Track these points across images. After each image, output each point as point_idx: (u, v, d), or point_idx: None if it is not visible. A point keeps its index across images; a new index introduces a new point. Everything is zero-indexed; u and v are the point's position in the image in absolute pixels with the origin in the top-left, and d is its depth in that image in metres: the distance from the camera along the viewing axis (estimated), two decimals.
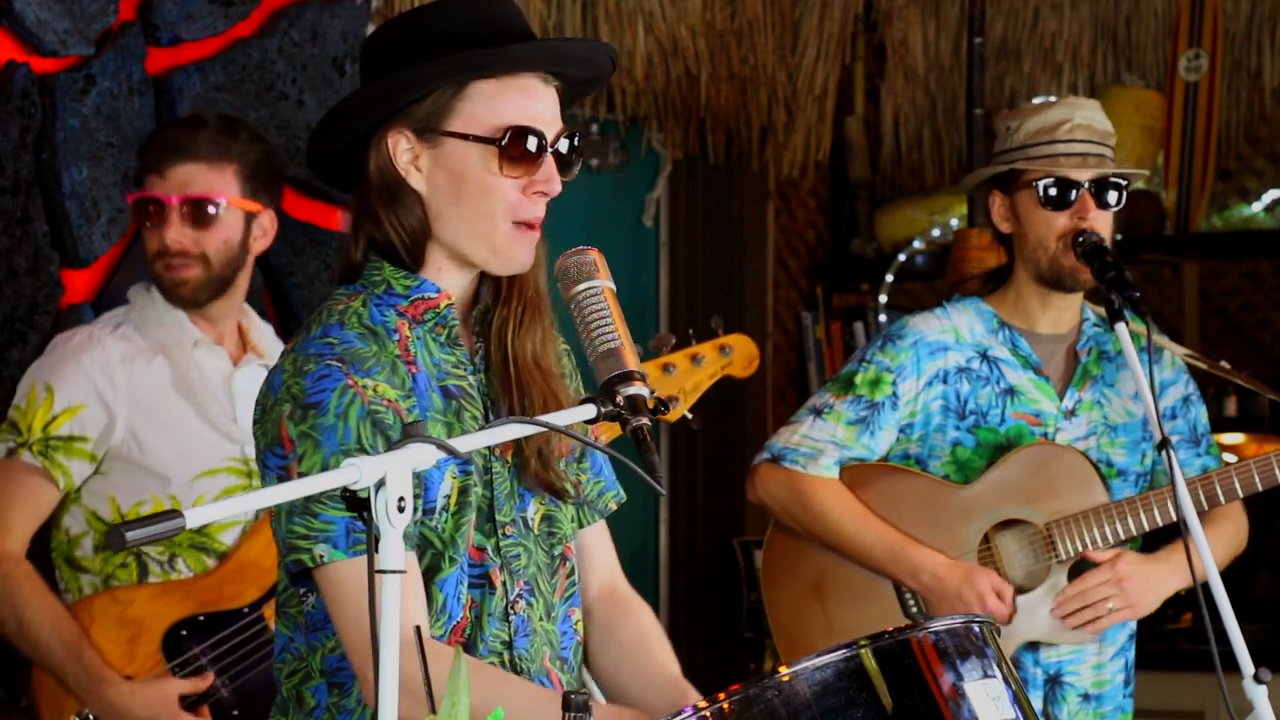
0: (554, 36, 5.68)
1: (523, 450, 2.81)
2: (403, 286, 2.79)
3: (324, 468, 2.65)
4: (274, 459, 2.70)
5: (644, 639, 2.92)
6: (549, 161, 2.75)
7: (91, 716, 3.90)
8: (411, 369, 2.76)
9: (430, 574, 2.74)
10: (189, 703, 3.90)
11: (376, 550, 2.24)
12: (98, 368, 3.97)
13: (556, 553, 2.87)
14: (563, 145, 2.77)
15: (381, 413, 2.69)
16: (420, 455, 2.28)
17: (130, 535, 2.12)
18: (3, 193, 4.39)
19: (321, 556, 2.66)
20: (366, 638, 2.61)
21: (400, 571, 2.24)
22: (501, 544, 2.80)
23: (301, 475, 2.66)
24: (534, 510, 2.84)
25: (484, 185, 2.74)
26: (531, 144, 2.73)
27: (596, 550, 2.98)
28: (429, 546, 2.74)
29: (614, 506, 2.99)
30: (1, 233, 4.39)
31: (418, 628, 2.55)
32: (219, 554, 4.01)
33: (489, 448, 2.78)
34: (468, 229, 2.76)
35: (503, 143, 2.73)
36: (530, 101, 2.75)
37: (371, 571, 2.23)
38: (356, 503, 2.25)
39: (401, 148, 2.76)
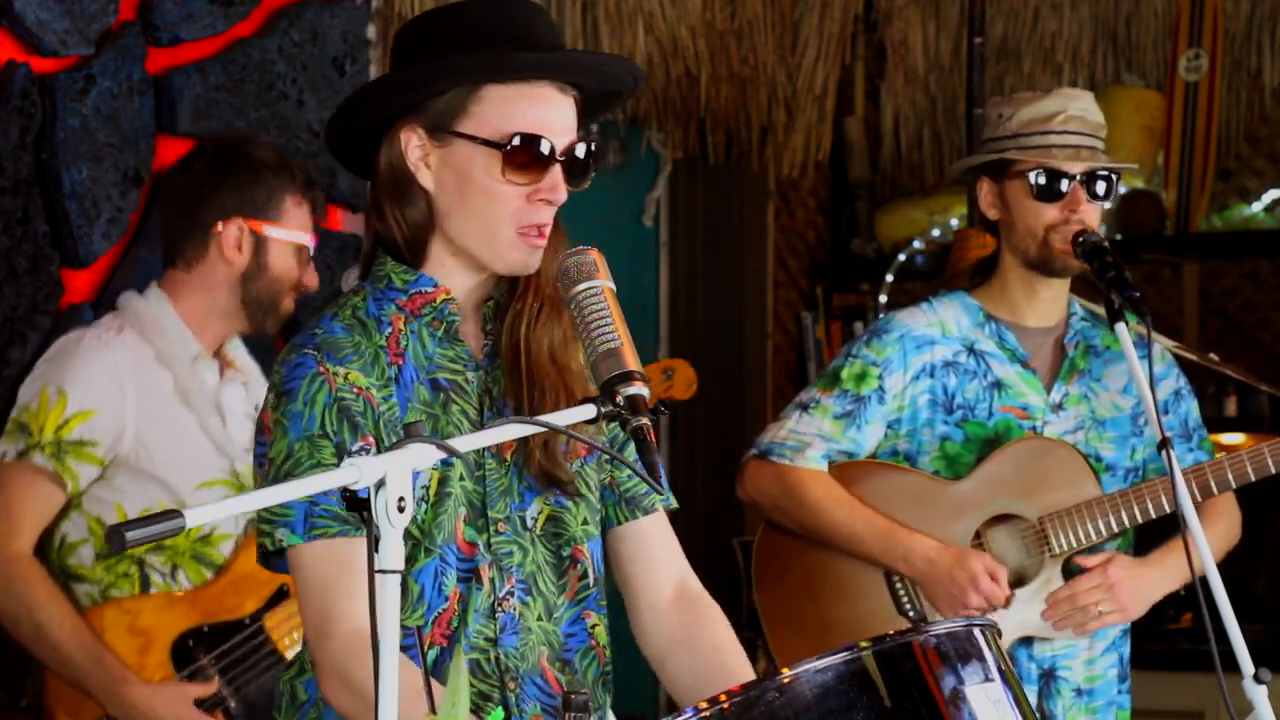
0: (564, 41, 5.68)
1: (527, 442, 2.81)
2: (402, 281, 2.81)
3: (288, 454, 2.71)
4: (259, 447, 2.78)
5: (720, 650, 2.88)
6: (555, 170, 2.75)
7: None
8: (397, 361, 2.78)
9: (406, 564, 2.74)
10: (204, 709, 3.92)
11: (377, 550, 2.24)
12: (109, 372, 3.94)
13: (565, 554, 2.86)
14: (579, 151, 2.77)
15: (350, 400, 2.72)
16: (420, 455, 2.28)
17: (131, 535, 2.12)
18: (3, 193, 4.39)
19: (280, 540, 2.71)
20: (318, 622, 2.69)
21: (399, 571, 2.24)
22: (493, 541, 2.80)
23: (270, 461, 2.73)
24: (536, 509, 2.84)
25: (487, 190, 2.75)
26: (538, 152, 2.74)
27: (660, 550, 2.94)
28: (406, 537, 2.74)
29: (660, 506, 2.94)
30: (1, 233, 4.38)
31: (418, 628, 2.56)
32: (216, 567, 4.01)
33: None
34: (472, 230, 2.77)
35: (507, 148, 2.73)
36: (542, 109, 2.75)
37: (371, 571, 2.23)
38: (356, 503, 2.25)
39: (413, 144, 2.77)
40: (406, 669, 2.51)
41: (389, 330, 2.79)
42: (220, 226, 4.05)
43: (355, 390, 2.73)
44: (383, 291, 2.81)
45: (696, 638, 2.89)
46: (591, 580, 2.89)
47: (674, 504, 2.97)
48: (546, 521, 2.85)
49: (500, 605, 2.80)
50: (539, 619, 2.83)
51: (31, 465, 3.90)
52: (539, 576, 2.83)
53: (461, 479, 2.78)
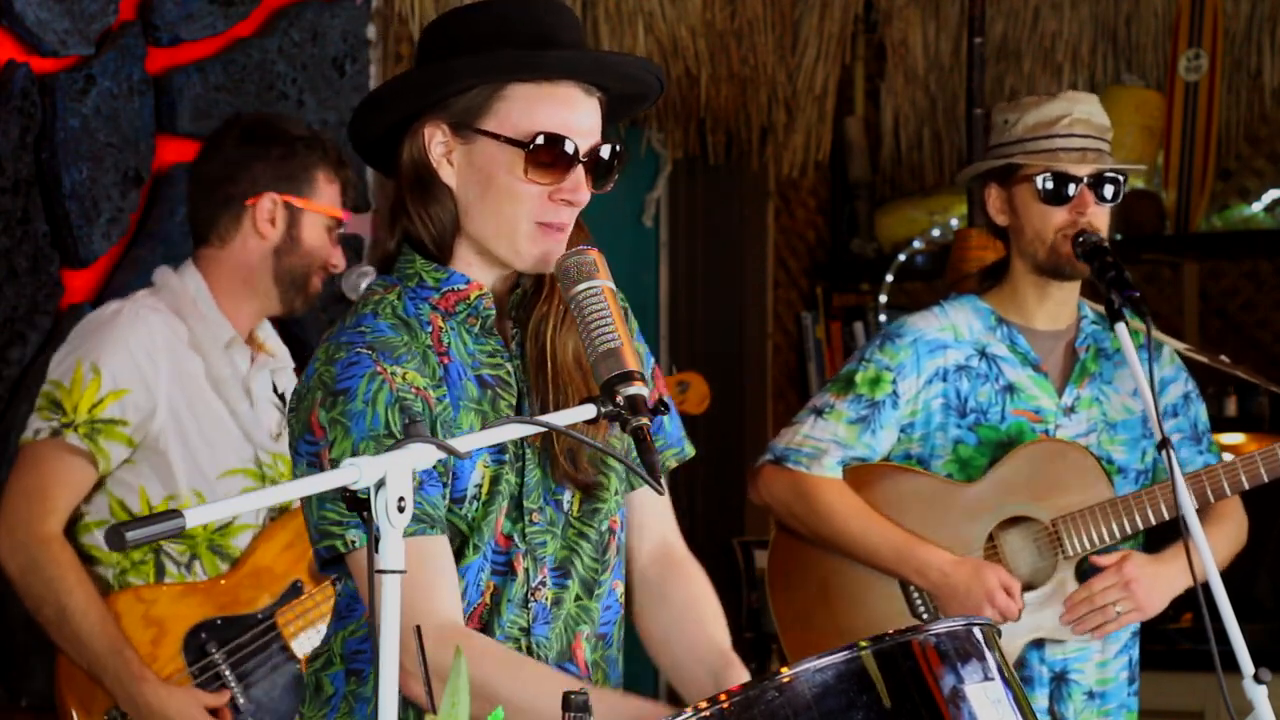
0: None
1: (551, 448, 2.81)
2: (434, 279, 2.80)
3: (354, 453, 2.66)
4: (305, 446, 2.72)
5: (694, 605, 2.89)
6: (578, 171, 2.75)
7: (118, 714, 3.87)
8: (444, 360, 2.77)
9: (456, 561, 2.74)
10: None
11: (377, 550, 2.24)
12: (144, 351, 3.90)
13: (604, 528, 2.87)
14: (603, 153, 2.77)
15: (410, 400, 2.70)
16: (420, 455, 2.28)
17: (130, 535, 2.12)
18: (3, 193, 4.39)
19: (354, 542, 2.68)
20: (402, 620, 2.64)
21: (400, 571, 2.24)
22: (527, 530, 2.80)
23: (333, 461, 2.68)
24: (570, 493, 2.84)
25: (508, 188, 2.74)
26: (560, 152, 2.73)
27: (651, 513, 2.96)
28: (455, 534, 2.75)
29: (673, 464, 2.97)
30: (1, 233, 4.39)
31: (417, 628, 2.56)
32: (233, 559, 3.98)
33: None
34: (492, 227, 2.77)
35: (530, 148, 2.73)
36: (566, 110, 2.75)
37: (372, 572, 2.23)
38: (357, 503, 2.25)
39: (436, 140, 2.77)
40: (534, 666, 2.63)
41: (430, 329, 2.78)
42: (253, 200, 4.02)
43: (414, 390, 2.71)
44: (415, 290, 2.80)
45: (673, 591, 2.91)
46: (622, 547, 2.91)
47: (689, 453, 3.00)
48: (582, 501, 2.85)
49: (533, 595, 2.80)
50: (577, 599, 2.83)
51: (65, 444, 3.85)
52: (574, 559, 2.84)
53: (508, 475, 2.79)
